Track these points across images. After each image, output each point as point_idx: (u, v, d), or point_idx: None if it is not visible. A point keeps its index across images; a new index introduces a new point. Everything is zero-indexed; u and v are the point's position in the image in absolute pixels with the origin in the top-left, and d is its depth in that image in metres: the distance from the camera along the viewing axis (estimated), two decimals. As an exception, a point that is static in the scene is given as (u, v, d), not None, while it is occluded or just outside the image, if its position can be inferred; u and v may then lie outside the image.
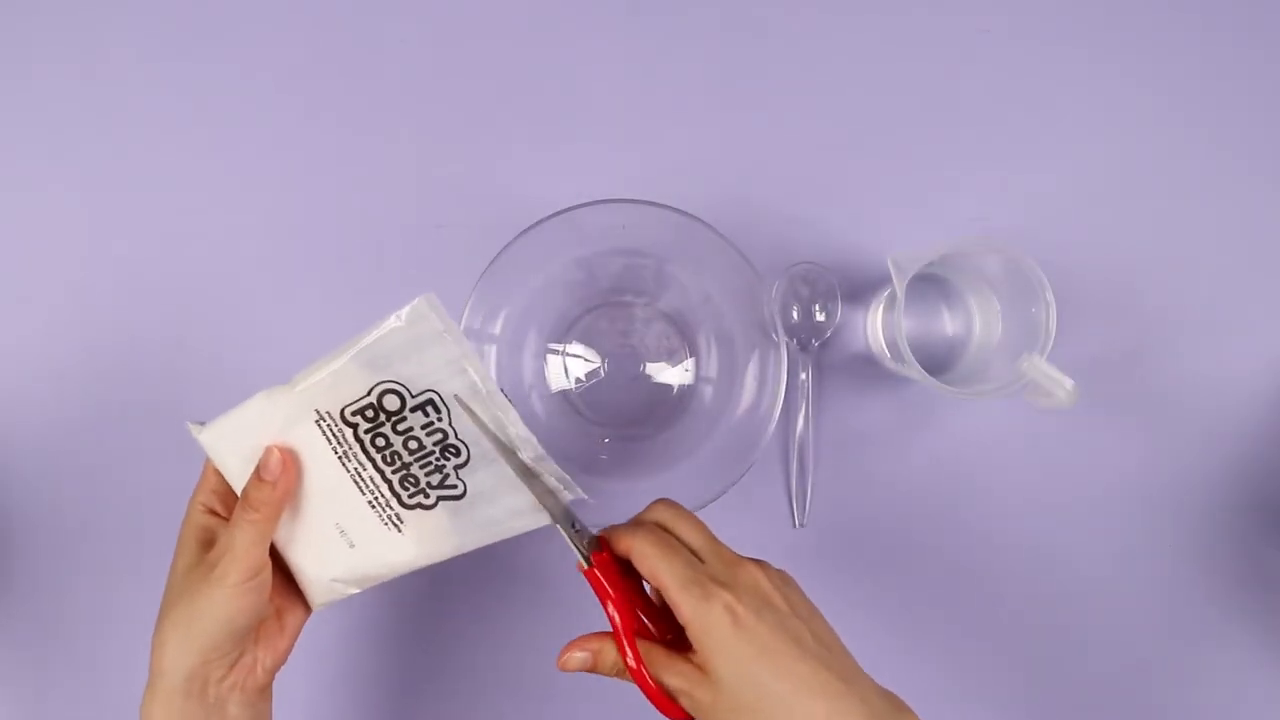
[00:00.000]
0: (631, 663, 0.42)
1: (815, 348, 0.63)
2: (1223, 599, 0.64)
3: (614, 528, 0.45)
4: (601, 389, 0.59)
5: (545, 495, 0.45)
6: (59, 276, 0.64)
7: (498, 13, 0.65)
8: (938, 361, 0.64)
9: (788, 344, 0.60)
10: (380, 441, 0.44)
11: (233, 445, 0.45)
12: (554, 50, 0.65)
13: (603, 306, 0.63)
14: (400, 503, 0.46)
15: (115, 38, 0.65)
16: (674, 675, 0.42)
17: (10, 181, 0.64)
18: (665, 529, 0.44)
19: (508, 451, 0.44)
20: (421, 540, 0.46)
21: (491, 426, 0.43)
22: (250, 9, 0.65)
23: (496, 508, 0.46)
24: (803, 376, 0.63)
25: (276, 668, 0.48)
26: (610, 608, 0.43)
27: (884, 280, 0.62)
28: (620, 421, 0.63)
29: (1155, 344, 0.65)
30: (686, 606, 0.40)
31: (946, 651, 0.63)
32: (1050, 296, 0.56)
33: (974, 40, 0.66)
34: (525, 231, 0.56)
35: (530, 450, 0.44)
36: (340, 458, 0.45)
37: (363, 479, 0.45)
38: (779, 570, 0.44)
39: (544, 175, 0.64)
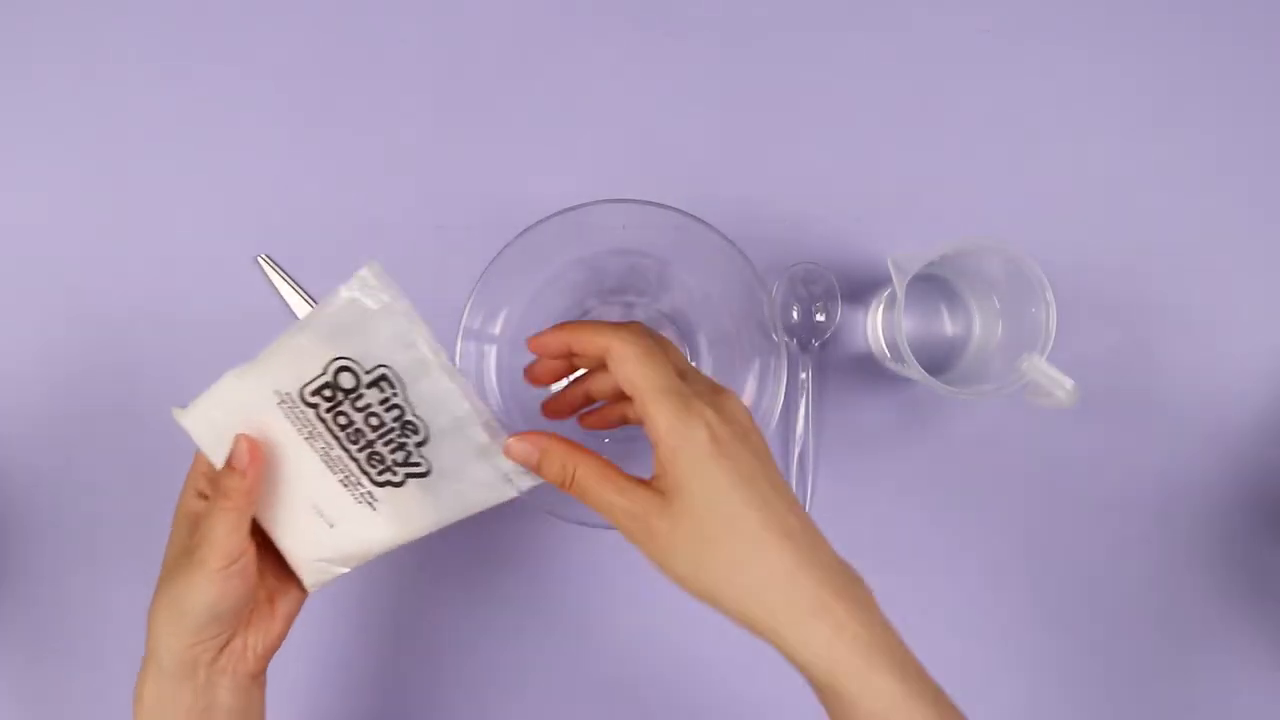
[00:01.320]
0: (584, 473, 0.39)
1: (815, 348, 0.63)
2: (1222, 599, 0.64)
3: (588, 323, 0.41)
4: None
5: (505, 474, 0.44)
6: (59, 276, 0.63)
7: (498, 13, 0.65)
8: (938, 361, 0.64)
9: (788, 344, 0.60)
10: (342, 419, 0.44)
11: (211, 427, 0.45)
12: (555, 50, 0.65)
13: (603, 307, 0.63)
14: (371, 480, 0.45)
15: (115, 38, 0.64)
16: (627, 497, 0.38)
17: (10, 181, 0.64)
18: (620, 367, 0.40)
19: (465, 425, 0.43)
20: (397, 517, 0.46)
21: (444, 399, 0.42)
22: (250, 9, 0.65)
23: (463, 482, 0.44)
24: (803, 376, 0.63)
25: (270, 652, 0.47)
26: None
27: (884, 280, 0.62)
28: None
29: (1155, 344, 0.65)
30: (664, 417, 0.37)
31: (946, 651, 0.63)
32: (1050, 296, 0.56)
33: (974, 40, 0.66)
34: (525, 231, 0.56)
35: (484, 420, 0.43)
36: (307, 438, 0.44)
37: (331, 458, 0.45)
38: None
39: (544, 175, 0.64)
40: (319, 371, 0.43)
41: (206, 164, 0.64)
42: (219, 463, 0.45)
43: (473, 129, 0.65)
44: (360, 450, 0.44)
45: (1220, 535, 0.64)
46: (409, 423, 0.43)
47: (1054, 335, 0.56)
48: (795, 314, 0.63)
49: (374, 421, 0.43)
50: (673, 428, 0.37)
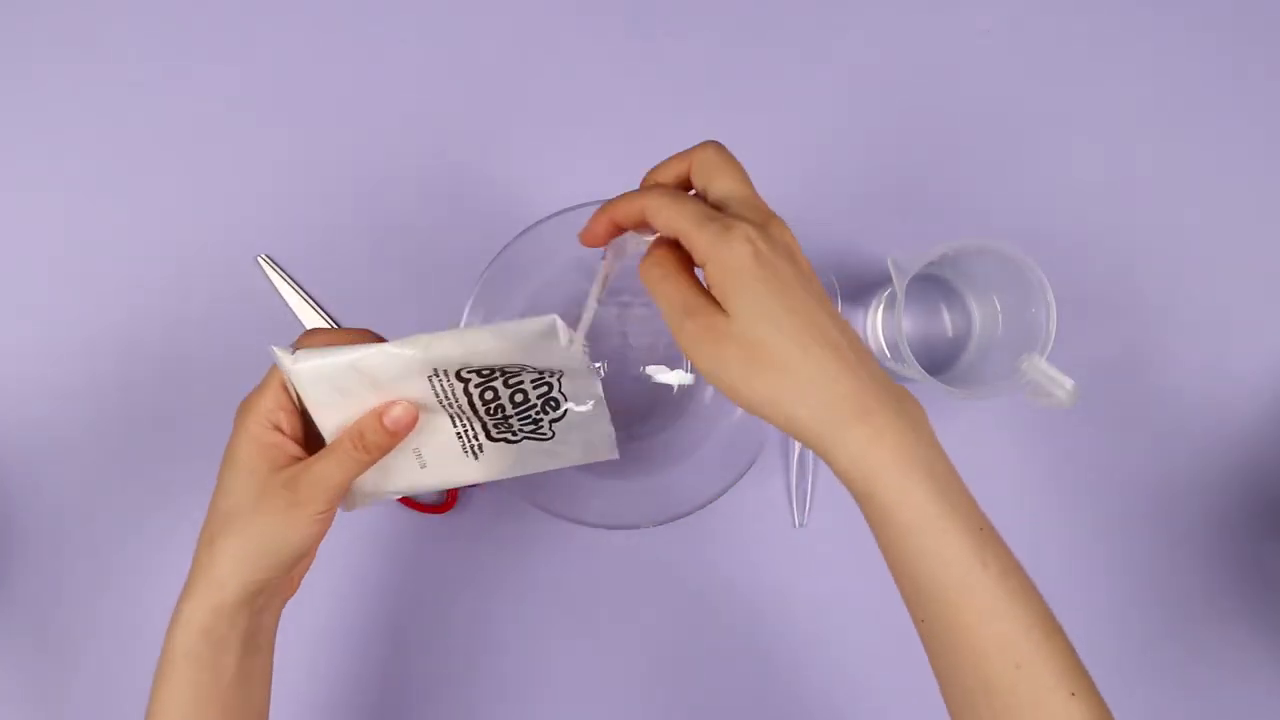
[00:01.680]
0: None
1: (815, 348, 0.63)
2: (1222, 599, 0.64)
3: (621, 197, 0.42)
4: (602, 389, 0.59)
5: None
6: (58, 277, 0.63)
7: (498, 13, 0.65)
8: (938, 361, 0.64)
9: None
10: (489, 395, 0.45)
11: (328, 382, 0.44)
12: (555, 51, 0.65)
13: (603, 307, 0.63)
14: (487, 435, 0.47)
15: (115, 38, 0.64)
16: (686, 295, 0.39)
17: (10, 182, 0.64)
18: (702, 173, 0.41)
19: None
20: (491, 464, 0.48)
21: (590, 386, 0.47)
22: (250, 9, 0.65)
23: (570, 445, 0.48)
24: (803, 376, 0.63)
25: (304, 573, 0.48)
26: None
27: (884, 280, 0.62)
28: (620, 421, 0.63)
29: (1155, 344, 0.65)
30: (705, 239, 0.37)
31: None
32: (1050, 296, 0.56)
33: (974, 41, 0.66)
34: (525, 231, 0.56)
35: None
36: (443, 402, 0.45)
37: (460, 416, 0.46)
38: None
39: (544, 175, 0.64)
40: (488, 365, 0.44)
41: (207, 164, 0.64)
42: (323, 419, 0.44)
43: (473, 129, 0.65)
44: (490, 415, 0.46)
45: (1220, 535, 0.64)
46: (553, 399, 0.46)
47: (1054, 335, 0.56)
48: (795, 314, 0.63)
49: (518, 399, 0.46)
50: (713, 246, 0.37)
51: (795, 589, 0.63)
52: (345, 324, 0.63)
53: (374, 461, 0.44)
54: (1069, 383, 0.55)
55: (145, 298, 0.63)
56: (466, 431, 0.47)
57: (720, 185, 0.41)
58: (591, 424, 0.48)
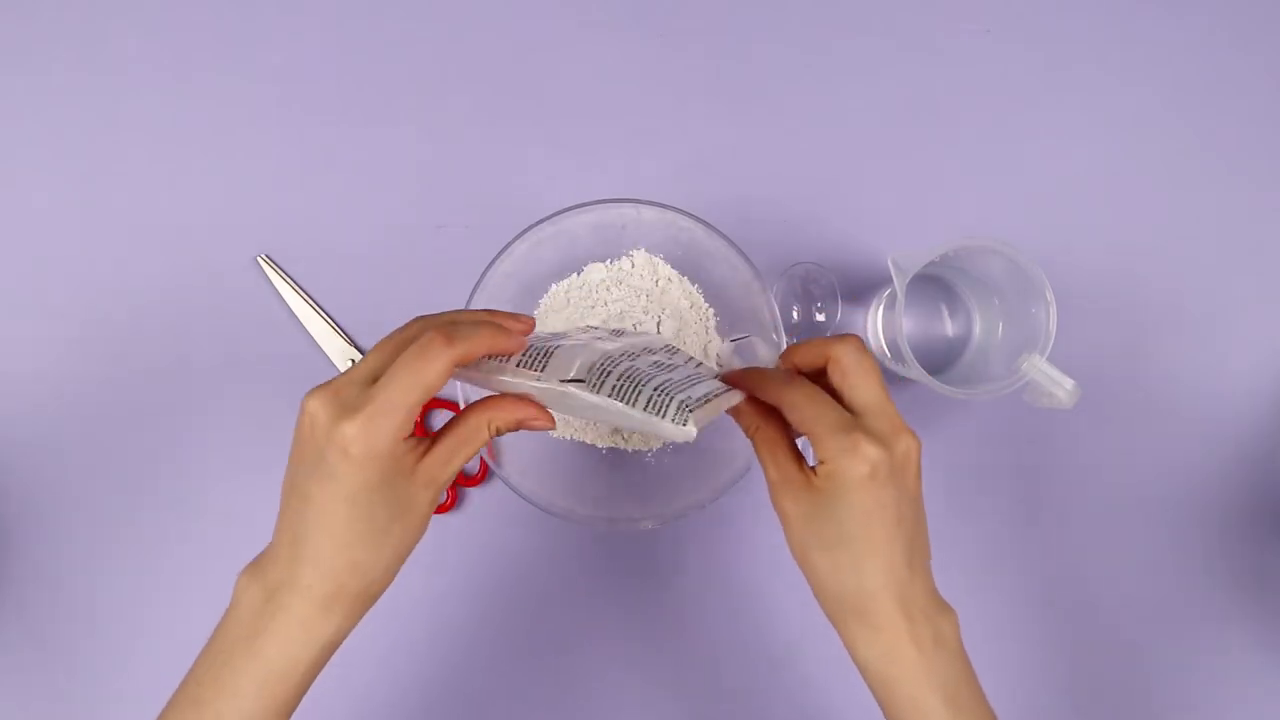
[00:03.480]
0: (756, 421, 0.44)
1: (815, 348, 0.63)
2: (1223, 598, 0.64)
3: (759, 372, 0.45)
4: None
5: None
6: (58, 277, 0.63)
7: (499, 14, 0.65)
8: (938, 361, 0.64)
9: (788, 344, 0.60)
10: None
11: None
12: (555, 51, 0.65)
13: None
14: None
15: (115, 39, 0.64)
16: (778, 470, 0.43)
17: (10, 182, 0.64)
18: (840, 371, 0.43)
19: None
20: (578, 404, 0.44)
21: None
22: (251, 9, 0.65)
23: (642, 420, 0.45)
24: (803, 376, 0.63)
25: None
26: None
27: (884, 280, 0.62)
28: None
29: (1155, 344, 0.65)
30: (832, 444, 0.41)
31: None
32: (1050, 296, 0.56)
33: (975, 41, 0.66)
34: (525, 231, 0.56)
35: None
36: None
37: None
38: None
39: (544, 175, 0.64)
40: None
41: (207, 164, 0.64)
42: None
43: (473, 129, 0.65)
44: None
45: (1220, 535, 0.64)
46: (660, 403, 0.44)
47: (1054, 335, 0.56)
48: (795, 314, 0.63)
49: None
50: (837, 454, 0.41)
51: (795, 589, 0.63)
52: (345, 324, 0.63)
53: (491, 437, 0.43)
54: (1069, 383, 0.55)
55: (145, 298, 0.63)
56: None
57: (859, 393, 0.43)
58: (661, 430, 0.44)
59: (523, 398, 0.43)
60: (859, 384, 0.42)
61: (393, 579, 0.42)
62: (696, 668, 0.63)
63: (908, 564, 0.42)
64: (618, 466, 0.62)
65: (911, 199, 0.65)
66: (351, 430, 0.38)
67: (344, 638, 0.42)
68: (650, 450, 0.61)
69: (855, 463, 0.40)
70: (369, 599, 0.42)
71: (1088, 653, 0.64)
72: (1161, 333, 0.65)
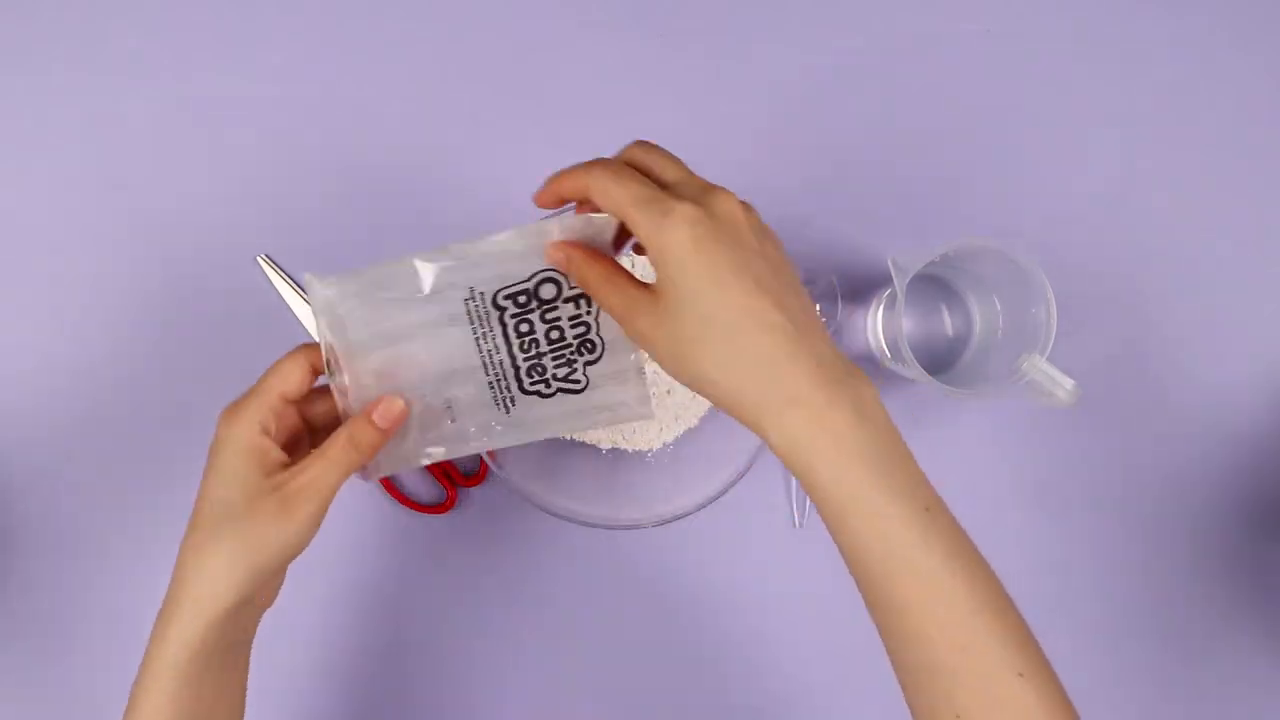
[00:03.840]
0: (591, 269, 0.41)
1: (815, 348, 0.63)
2: (1222, 598, 0.64)
3: (568, 170, 0.43)
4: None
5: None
6: (58, 276, 0.63)
7: (499, 14, 0.65)
8: (938, 361, 0.64)
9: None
10: (524, 328, 0.44)
11: (364, 311, 0.43)
12: (555, 51, 0.65)
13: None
14: (520, 388, 0.46)
15: (115, 38, 0.64)
16: (620, 295, 0.40)
17: (9, 181, 0.64)
18: (637, 165, 0.42)
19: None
20: (521, 423, 0.46)
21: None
22: (251, 8, 0.65)
23: (601, 400, 0.46)
24: (803, 376, 0.63)
25: (281, 585, 0.48)
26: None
27: (884, 280, 0.62)
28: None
29: (1155, 344, 0.65)
30: (645, 223, 0.38)
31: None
32: (1050, 296, 0.56)
33: (976, 41, 0.66)
34: (525, 231, 0.56)
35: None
36: (478, 339, 0.44)
37: (492, 361, 0.45)
38: (753, 210, 0.42)
39: (544, 175, 0.64)
40: (523, 278, 0.43)
41: (207, 164, 0.64)
42: (349, 354, 0.43)
43: (473, 130, 0.65)
44: (527, 359, 0.45)
45: (1220, 535, 0.64)
46: (589, 341, 0.45)
47: (1054, 335, 0.56)
48: (795, 314, 0.63)
49: (554, 335, 0.44)
50: (654, 231, 0.38)
51: (795, 589, 0.63)
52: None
53: (366, 460, 0.43)
54: (1069, 383, 0.55)
55: (145, 298, 0.63)
56: (499, 382, 0.45)
57: (659, 177, 0.41)
58: (626, 376, 0.46)
59: (370, 423, 0.44)
60: (651, 171, 0.41)
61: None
62: (697, 668, 0.63)
63: (789, 325, 0.38)
64: (618, 466, 0.62)
65: (911, 199, 0.65)
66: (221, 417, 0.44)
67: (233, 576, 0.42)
68: (650, 450, 0.61)
69: (674, 226, 0.38)
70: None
71: (1086, 651, 0.64)
72: (1162, 333, 0.65)
